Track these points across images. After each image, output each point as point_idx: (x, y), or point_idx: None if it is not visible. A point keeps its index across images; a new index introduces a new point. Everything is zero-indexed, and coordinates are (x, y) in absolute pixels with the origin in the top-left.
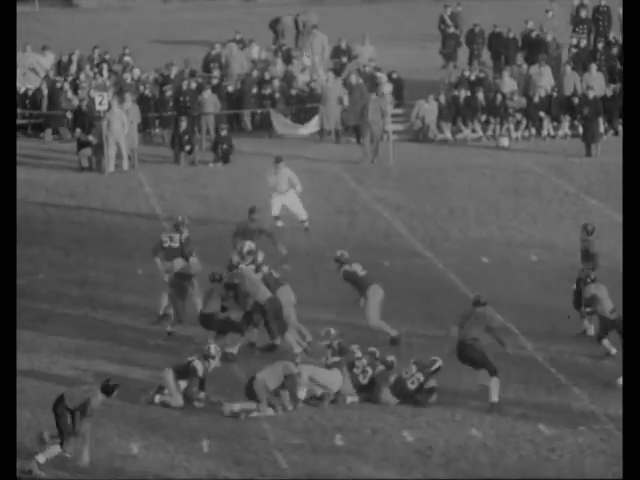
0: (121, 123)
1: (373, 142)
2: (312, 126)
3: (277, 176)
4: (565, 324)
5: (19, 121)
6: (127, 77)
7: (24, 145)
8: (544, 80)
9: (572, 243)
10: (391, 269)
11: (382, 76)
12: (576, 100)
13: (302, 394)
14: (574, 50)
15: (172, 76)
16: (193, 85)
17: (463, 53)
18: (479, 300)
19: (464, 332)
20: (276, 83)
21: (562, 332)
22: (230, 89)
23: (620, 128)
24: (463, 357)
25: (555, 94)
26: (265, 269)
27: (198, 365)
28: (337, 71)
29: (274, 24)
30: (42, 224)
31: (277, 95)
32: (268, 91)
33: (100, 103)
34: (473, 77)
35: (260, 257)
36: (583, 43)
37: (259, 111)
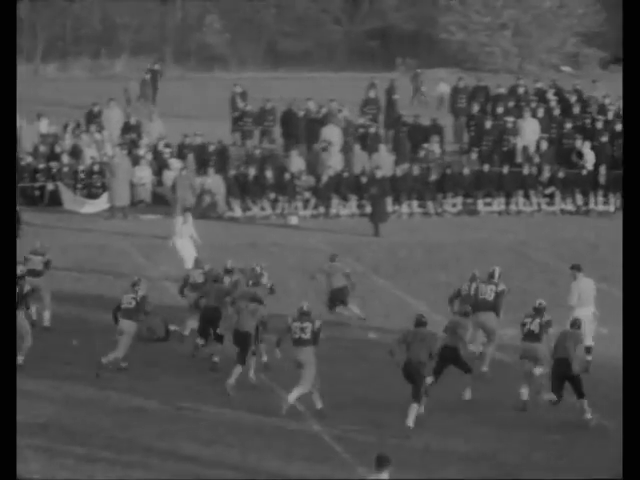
0: None
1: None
2: (101, 203)
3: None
4: None
5: None
6: None
7: None
8: (332, 159)
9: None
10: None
11: (175, 161)
12: (364, 179)
13: None
14: (362, 130)
15: None
16: None
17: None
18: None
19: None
20: (64, 158)
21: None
22: (22, 163)
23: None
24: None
25: (346, 174)
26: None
27: None
28: (126, 147)
29: None
30: None
31: (65, 170)
32: (56, 165)
33: None
34: (263, 154)
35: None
36: (371, 123)
37: (49, 186)
